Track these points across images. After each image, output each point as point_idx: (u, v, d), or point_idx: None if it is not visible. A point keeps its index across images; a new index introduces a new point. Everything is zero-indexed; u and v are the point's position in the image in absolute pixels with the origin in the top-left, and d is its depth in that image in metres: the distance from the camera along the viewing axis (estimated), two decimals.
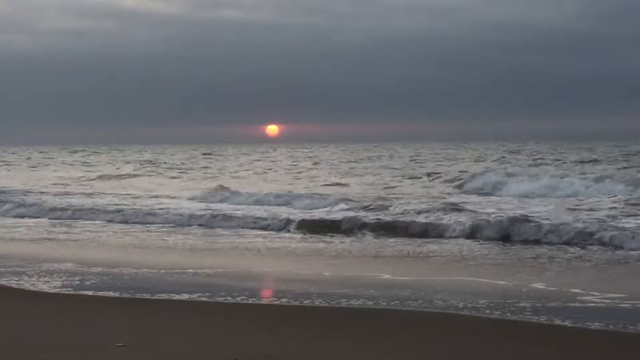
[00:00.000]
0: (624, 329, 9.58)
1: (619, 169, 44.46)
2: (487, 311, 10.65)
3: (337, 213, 23.33)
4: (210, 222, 22.91)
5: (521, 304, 11.00)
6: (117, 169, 62.43)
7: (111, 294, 12.30)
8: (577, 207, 23.93)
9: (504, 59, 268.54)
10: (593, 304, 11.04)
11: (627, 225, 18.38)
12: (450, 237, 18.87)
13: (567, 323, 9.86)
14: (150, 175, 51.81)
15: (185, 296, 12.00)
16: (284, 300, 11.73)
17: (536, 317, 10.23)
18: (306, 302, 11.52)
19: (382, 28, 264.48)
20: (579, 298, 11.43)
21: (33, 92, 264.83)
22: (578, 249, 16.58)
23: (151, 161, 77.39)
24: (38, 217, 25.81)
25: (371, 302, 11.42)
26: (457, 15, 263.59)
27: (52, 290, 12.58)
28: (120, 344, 8.35)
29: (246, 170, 58.45)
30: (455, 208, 22.74)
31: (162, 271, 14.40)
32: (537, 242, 17.64)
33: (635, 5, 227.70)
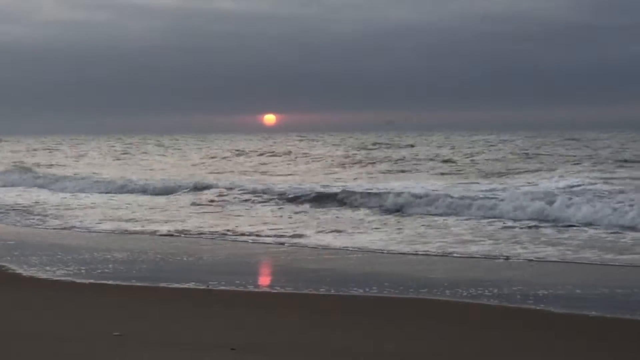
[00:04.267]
0: None
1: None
2: None
3: None
4: None
5: None
6: None
7: (110, 282, 12.18)
8: None
9: (494, 50, 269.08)
10: None
11: None
12: None
13: None
14: None
15: (183, 285, 11.88)
16: (286, 288, 11.65)
17: None
18: (306, 290, 11.42)
19: (375, 19, 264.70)
20: None
21: (29, 82, 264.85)
22: None
23: None
24: None
25: (375, 289, 11.35)
26: (447, 6, 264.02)
27: (48, 277, 12.44)
28: (117, 333, 8.24)
29: None
30: None
31: None
32: None
33: None
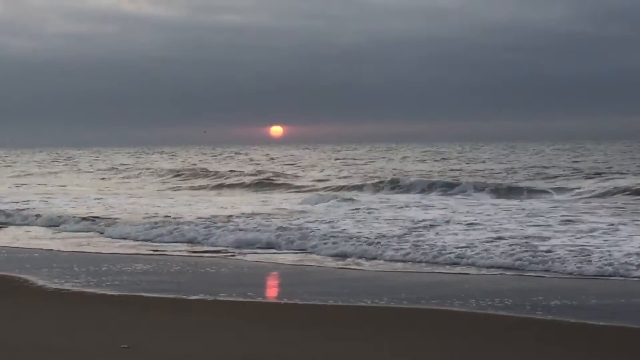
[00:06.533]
0: None
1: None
2: None
3: None
4: None
5: None
6: None
7: (117, 292, 11.98)
8: None
9: (497, 60, 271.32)
10: None
11: None
12: None
13: None
14: None
15: (192, 297, 11.68)
16: (295, 300, 11.44)
17: None
18: (315, 301, 11.24)
19: (378, 30, 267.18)
20: None
21: (36, 94, 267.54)
22: None
23: None
24: None
25: (383, 302, 11.18)
26: (451, 18, 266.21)
27: (55, 287, 12.24)
28: (125, 346, 8.11)
29: None
30: None
31: None
32: None
33: (624, 7, 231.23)
